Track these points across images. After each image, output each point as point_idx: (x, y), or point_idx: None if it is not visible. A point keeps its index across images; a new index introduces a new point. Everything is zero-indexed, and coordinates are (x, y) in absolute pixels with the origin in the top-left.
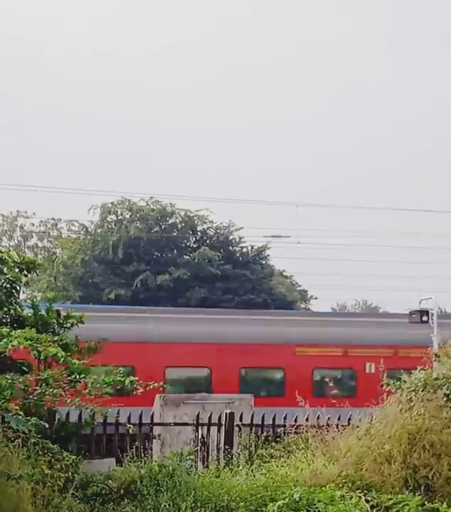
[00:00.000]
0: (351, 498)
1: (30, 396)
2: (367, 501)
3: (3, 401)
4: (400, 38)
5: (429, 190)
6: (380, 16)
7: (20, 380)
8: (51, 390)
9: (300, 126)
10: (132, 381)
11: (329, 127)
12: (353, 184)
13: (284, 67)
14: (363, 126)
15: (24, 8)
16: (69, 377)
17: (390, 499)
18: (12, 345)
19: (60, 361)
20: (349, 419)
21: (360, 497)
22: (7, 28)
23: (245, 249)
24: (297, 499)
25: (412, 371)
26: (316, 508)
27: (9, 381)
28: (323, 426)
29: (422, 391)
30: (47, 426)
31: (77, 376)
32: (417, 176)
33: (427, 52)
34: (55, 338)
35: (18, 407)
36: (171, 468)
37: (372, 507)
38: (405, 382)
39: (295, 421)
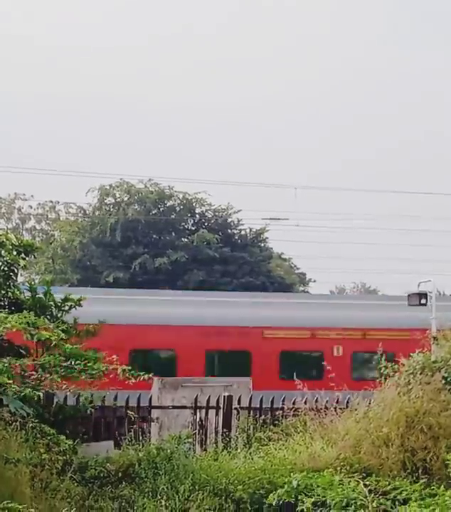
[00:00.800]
0: (349, 483)
1: (28, 380)
2: (365, 486)
3: None
4: (399, 33)
5: (429, 174)
6: (379, 15)
7: (17, 363)
8: (48, 375)
9: (299, 108)
10: (124, 369)
11: (329, 110)
12: (353, 167)
13: (283, 56)
14: (363, 109)
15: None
16: (65, 363)
17: (389, 484)
18: (5, 328)
19: (53, 345)
20: (347, 402)
21: (358, 482)
22: (7, 28)
23: (243, 232)
24: (295, 486)
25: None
26: (315, 492)
27: (6, 365)
28: (321, 409)
29: (421, 374)
30: (41, 398)
31: (73, 362)
32: (417, 161)
33: (426, 48)
34: (51, 325)
35: (16, 387)
36: (169, 451)
37: (370, 491)
38: (404, 365)
39: (293, 404)
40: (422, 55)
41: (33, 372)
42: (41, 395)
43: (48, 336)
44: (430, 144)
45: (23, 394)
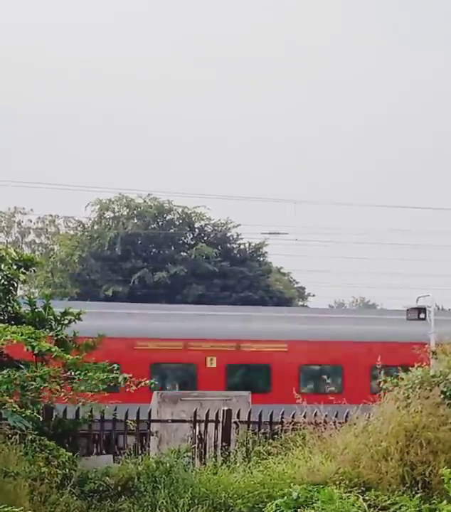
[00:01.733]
0: (348, 498)
1: (28, 393)
2: (365, 500)
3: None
4: (399, 35)
5: (420, 188)
6: (380, 14)
7: (16, 375)
8: (47, 384)
9: (297, 124)
10: (125, 378)
11: (329, 111)
12: (353, 180)
13: (281, 66)
14: (363, 112)
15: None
16: (65, 374)
17: (388, 499)
18: (5, 340)
19: (53, 356)
20: (346, 416)
21: (358, 496)
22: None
23: (242, 246)
24: (295, 497)
25: None
26: (315, 506)
27: (5, 376)
28: (320, 423)
29: (419, 388)
30: (41, 418)
31: (73, 373)
32: (404, 175)
33: (426, 50)
34: (50, 334)
35: (16, 405)
36: (168, 465)
37: (369, 506)
38: (403, 379)
39: (292, 418)
40: (422, 55)
41: (32, 383)
42: (40, 408)
43: (48, 348)
44: (417, 153)
45: (24, 415)
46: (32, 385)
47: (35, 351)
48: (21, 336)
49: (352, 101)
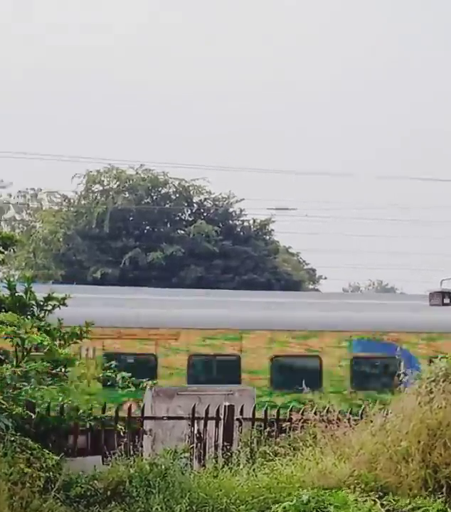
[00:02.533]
0: (364, 502)
1: (10, 390)
2: (382, 505)
3: None
4: (399, 35)
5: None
6: (379, 14)
7: (8, 373)
8: (44, 387)
9: (298, 108)
10: (124, 377)
11: (328, 110)
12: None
13: (282, 56)
14: (362, 108)
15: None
16: (54, 370)
17: (409, 504)
18: None
19: (45, 350)
20: (362, 412)
21: (375, 501)
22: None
23: (246, 224)
24: (305, 501)
25: None
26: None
27: None
28: (333, 420)
29: (444, 381)
30: (32, 415)
31: (63, 369)
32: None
33: (426, 48)
34: (41, 324)
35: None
36: (163, 467)
37: None
38: (425, 372)
39: (302, 414)
40: (422, 55)
41: (25, 384)
42: (22, 405)
43: (40, 340)
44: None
45: (14, 412)
46: (24, 385)
47: (26, 345)
48: (7, 326)
49: (351, 98)
